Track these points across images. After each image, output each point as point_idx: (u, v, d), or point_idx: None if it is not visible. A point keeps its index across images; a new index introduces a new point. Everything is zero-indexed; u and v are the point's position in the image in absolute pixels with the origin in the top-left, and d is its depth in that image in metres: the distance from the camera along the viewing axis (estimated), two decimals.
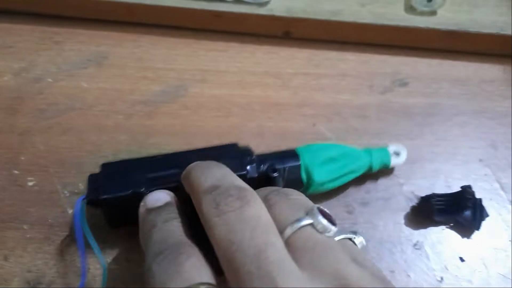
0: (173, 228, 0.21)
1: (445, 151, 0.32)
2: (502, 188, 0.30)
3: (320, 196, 0.29)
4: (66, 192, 0.28)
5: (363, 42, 0.36)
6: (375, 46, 0.36)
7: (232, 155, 0.26)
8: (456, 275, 0.28)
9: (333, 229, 0.20)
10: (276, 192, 0.22)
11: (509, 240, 0.29)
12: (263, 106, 0.33)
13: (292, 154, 0.28)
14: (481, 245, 0.29)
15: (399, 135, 0.32)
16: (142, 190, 0.24)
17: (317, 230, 0.20)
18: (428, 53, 0.36)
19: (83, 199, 0.24)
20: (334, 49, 0.36)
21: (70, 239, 0.27)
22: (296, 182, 0.28)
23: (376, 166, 0.29)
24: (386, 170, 0.30)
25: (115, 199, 0.24)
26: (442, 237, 0.29)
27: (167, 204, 0.23)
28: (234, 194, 0.20)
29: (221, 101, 0.33)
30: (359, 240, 0.21)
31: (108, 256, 0.26)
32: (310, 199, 0.22)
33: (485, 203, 0.29)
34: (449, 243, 0.28)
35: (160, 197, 0.23)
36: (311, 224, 0.20)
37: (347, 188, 0.30)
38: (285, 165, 0.27)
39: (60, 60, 0.34)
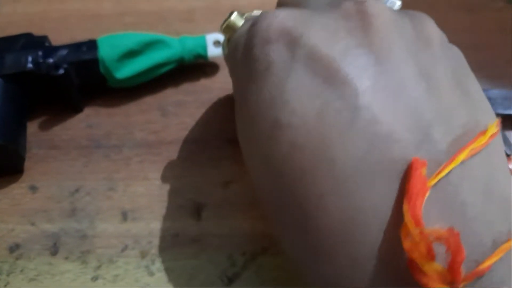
0: None
1: None
2: None
3: (132, 95, 0.27)
4: None
5: None
6: None
7: (22, 45, 0.25)
8: None
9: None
10: None
11: None
12: (81, 19, 0.31)
13: (91, 46, 0.26)
14: None
15: None
16: None
17: None
18: None
19: None
20: None
21: None
22: (96, 77, 0.26)
23: (189, 56, 0.27)
24: (208, 69, 0.29)
25: None
26: None
27: None
28: None
29: (34, 18, 0.31)
30: None
31: None
32: None
33: None
34: None
35: None
36: None
37: (165, 89, 0.28)
38: (80, 59, 0.25)
39: None
